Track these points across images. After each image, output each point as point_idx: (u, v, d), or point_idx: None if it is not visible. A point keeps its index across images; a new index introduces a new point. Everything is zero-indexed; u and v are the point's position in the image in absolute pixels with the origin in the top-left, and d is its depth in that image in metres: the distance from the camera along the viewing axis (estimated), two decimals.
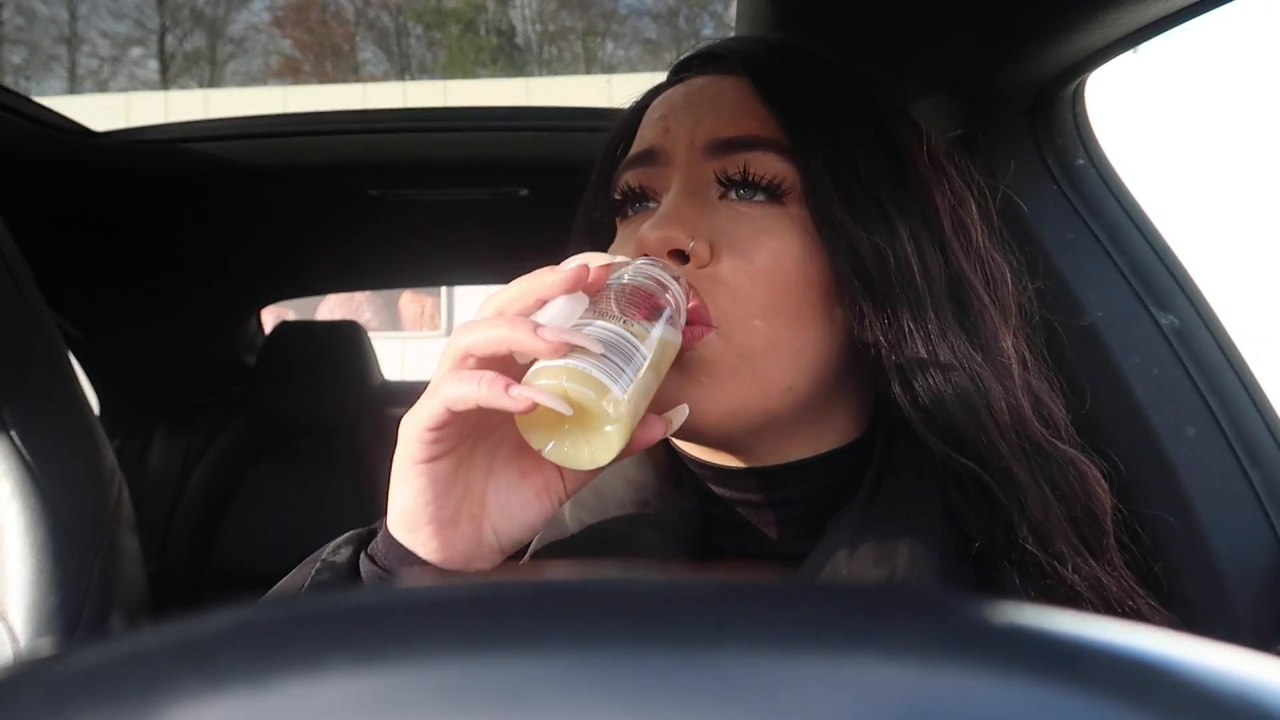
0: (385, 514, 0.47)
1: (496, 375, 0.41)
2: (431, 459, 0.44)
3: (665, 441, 0.58)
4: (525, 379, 0.41)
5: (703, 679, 0.14)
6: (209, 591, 1.70)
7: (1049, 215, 0.81)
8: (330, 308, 5.39)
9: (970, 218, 0.55)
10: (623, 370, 0.41)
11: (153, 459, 1.77)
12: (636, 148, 0.56)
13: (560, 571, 0.18)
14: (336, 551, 0.50)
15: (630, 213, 0.57)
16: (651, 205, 0.55)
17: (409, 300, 7.33)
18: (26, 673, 0.16)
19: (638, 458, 0.56)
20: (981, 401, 0.49)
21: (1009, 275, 0.57)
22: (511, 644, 0.15)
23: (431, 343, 6.96)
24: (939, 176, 0.55)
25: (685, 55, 0.60)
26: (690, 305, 0.48)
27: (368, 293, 6.27)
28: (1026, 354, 0.56)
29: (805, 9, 0.78)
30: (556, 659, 0.14)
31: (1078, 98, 0.82)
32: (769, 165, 0.51)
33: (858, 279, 0.50)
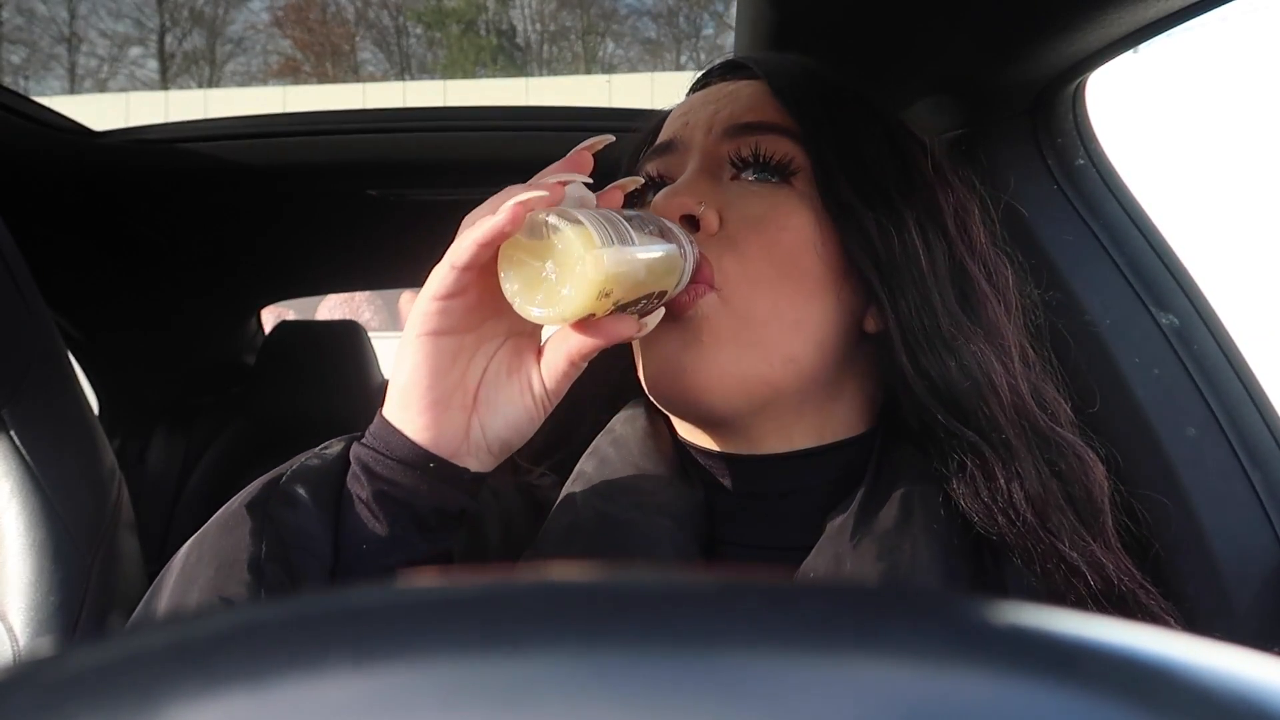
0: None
1: (488, 217, 0.43)
2: (436, 332, 0.46)
3: (673, 435, 0.59)
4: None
5: (703, 679, 0.14)
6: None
7: (1049, 216, 0.81)
8: (330, 308, 5.39)
9: (973, 222, 0.57)
10: (611, 238, 0.42)
11: (153, 459, 1.77)
12: (659, 140, 0.60)
13: (560, 571, 0.18)
14: (328, 445, 0.52)
15: (649, 198, 0.59)
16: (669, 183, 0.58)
17: (409, 300, 7.33)
18: (26, 673, 0.16)
19: (647, 450, 0.57)
20: (984, 377, 0.51)
21: (1011, 276, 0.58)
22: (511, 644, 0.15)
23: None
24: (943, 183, 0.57)
25: (685, 63, 0.65)
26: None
27: (368, 293, 6.27)
28: (1029, 350, 0.57)
29: (805, 8, 0.78)
30: (557, 659, 0.14)
31: (1078, 98, 0.82)
32: (779, 146, 0.54)
33: (866, 255, 0.52)
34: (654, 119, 0.65)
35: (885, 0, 0.72)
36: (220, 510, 0.51)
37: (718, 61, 0.64)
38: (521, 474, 0.62)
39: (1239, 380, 0.78)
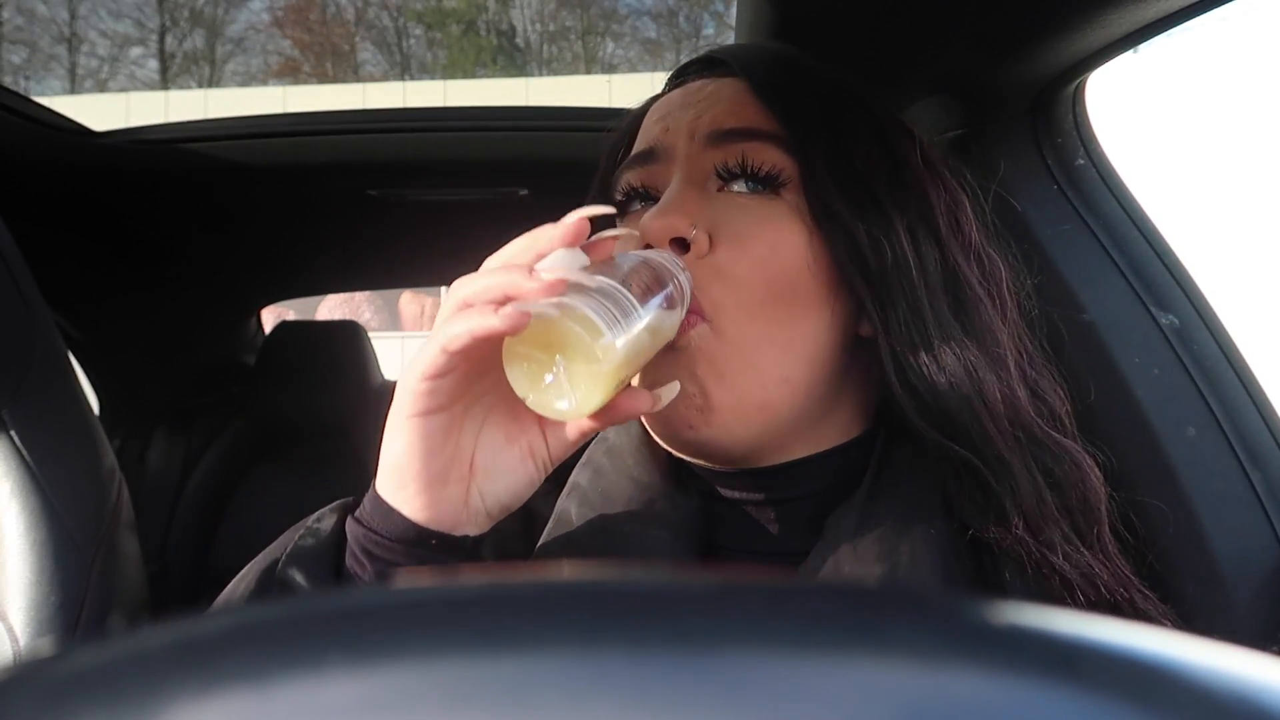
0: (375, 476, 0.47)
1: (487, 304, 0.41)
2: (426, 412, 0.44)
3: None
4: None
5: (703, 679, 0.14)
6: (209, 591, 1.70)
7: (1049, 215, 0.81)
8: (330, 308, 5.39)
9: (965, 216, 0.56)
10: (617, 320, 0.41)
11: (153, 459, 1.77)
12: (637, 148, 0.57)
13: (560, 571, 0.18)
14: (320, 519, 0.50)
15: (631, 210, 0.58)
16: (652, 201, 0.56)
17: (409, 300, 7.34)
18: (26, 673, 0.16)
19: (641, 459, 0.56)
20: (975, 391, 0.50)
21: (1006, 273, 0.57)
22: (511, 644, 0.15)
23: None
24: (934, 178, 0.55)
25: (683, 62, 0.61)
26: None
27: (368, 293, 6.27)
28: (1026, 347, 0.56)
29: (806, 8, 0.78)
30: (557, 659, 0.14)
31: (1078, 98, 0.82)
32: (767, 155, 0.52)
33: (856, 268, 0.51)
34: (628, 119, 0.62)
35: (885, 1, 0.72)
36: (219, 599, 0.50)
37: (693, 56, 0.61)
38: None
39: (1239, 380, 0.78)
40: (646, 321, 0.42)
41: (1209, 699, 0.14)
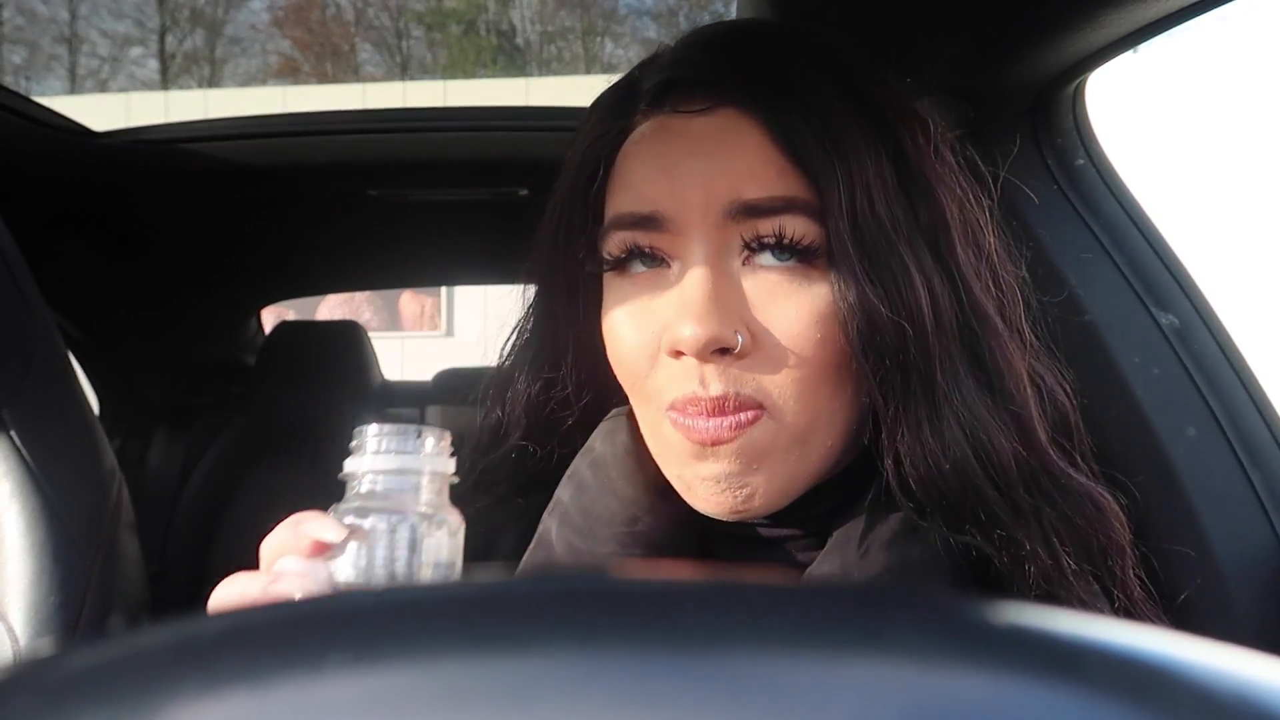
0: None
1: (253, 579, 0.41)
2: None
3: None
4: None
5: (704, 679, 0.14)
6: (209, 591, 1.69)
7: (1049, 215, 0.81)
8: (330, 308, 5.39)
9: (981, 219, 0.53)
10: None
11: (153, 459, 1.77)
12: (632, 205, 0.50)
13: (560, 572, 0.18)
14: None
15: (631, 269, 0.51)
16: (661, 265, 0.50)
17: (409, 300, 7.33)
18: (26, 673, 0.16)
19: (625, 471, 0.54)
20: (983, 467, 0.47)
21: (1018, 277, 0.55)
22: (511, 644, 0.15)
23: (431, 343, 6.96)
24: (949, 179, 0.52)
25: (665, 75, 0.51)
26: (733, 394, 0.47)
27: (368, 293, 6.27)
28: (1045, 379, 0.54)
29: (805, 9, 0.78)
30: (557, 659, 0.14)
31: (1078, 98, 0.82)
32: (801, 229, 0.47)
33: (872, 354, 0.47)
34: (594, 130, 0.53)
35: (885, 1, 0.72)
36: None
37: (675, 67, 0.51)
38: (506, 503, 0.60)
39: (1239, 380, 0.78)
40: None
41: (1209, 699, 0.14)
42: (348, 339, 1.91)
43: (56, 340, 1.02)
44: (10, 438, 0.93)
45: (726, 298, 0.47)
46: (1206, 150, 4.86)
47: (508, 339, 0.62)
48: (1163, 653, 0.15)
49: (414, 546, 0.40)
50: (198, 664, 0.15)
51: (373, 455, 0.42)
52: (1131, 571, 0.53)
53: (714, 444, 0.47)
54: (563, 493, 0.55)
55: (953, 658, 0.15)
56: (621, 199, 0.51)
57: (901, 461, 0.48)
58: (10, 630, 0.89)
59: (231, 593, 0.43)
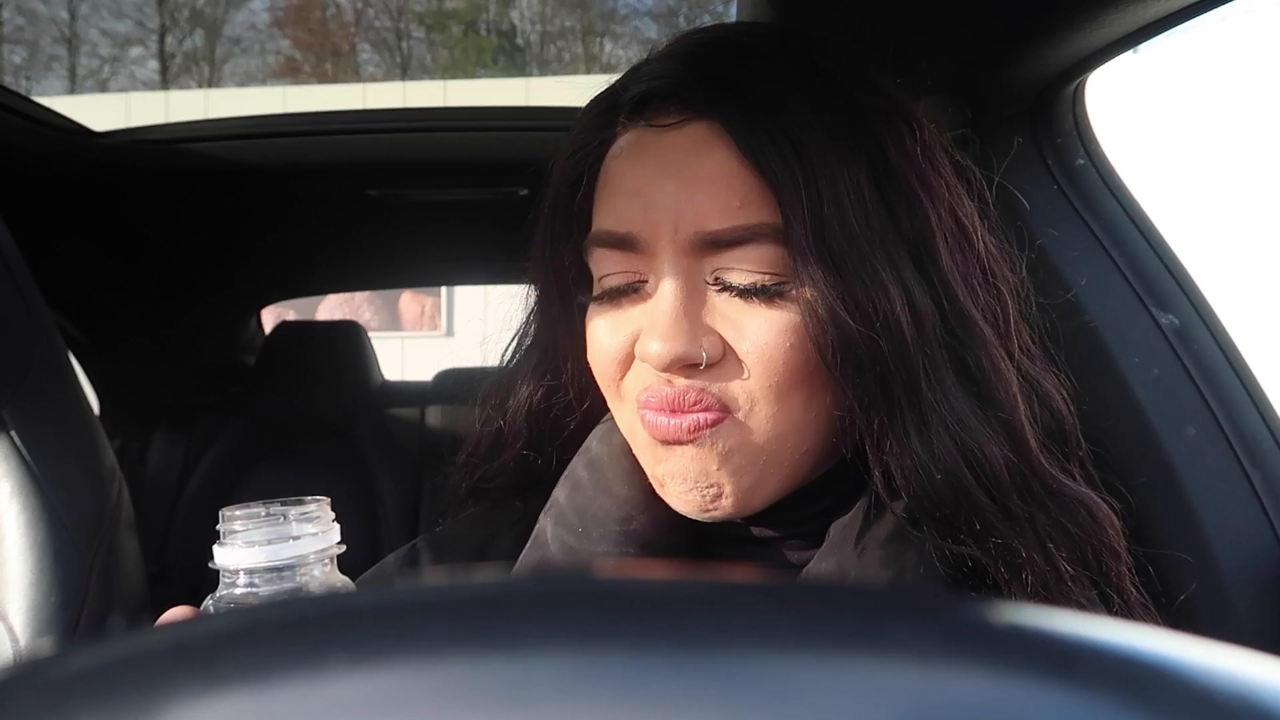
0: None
1: None
2: None
3: None
4: None
5: (704, 679, 0.14)
6: (209, 592, 1.69)
7: (1049, 215, 0.81)
8: (330, 308, 5.39)
9: (968, 219, 0.53)
10: None
11: (153, 459, 1.77)
12: (610, 223, 0.51)
13: (561, 572, 0.18)
14: None
15: (609, 284, 0.52)
16: (637, 280, 0.51)
17: (409, 300, 7.34)
18: (26, 673, 0.16)
19: (621, 471, 0.54)
20: (975, 476, 0.47)
21: (1011, 277, 0.54)
22: (512, 644, 0.15)
23: (431, 343, 6.97)
24: (938, 183, 0.51)
25: (643, 88, 0.51)
26: (695, 390, 0.48)
27: (368, 293, 6.27)
28: (1030, 351, 0.54)
29: (804, 10, 0.78)
30: (557, 659, 0.14)
31: (1078, 98, 0.82)
32: (763, 258, 0.47)
33: (849, 366, 0.47)
34: (583, 137, 0.54)
35: (884, 1, 0.72)
36: None
37: (654, 79, 0.51)
38: (504, 505, 0.60)
39: (1239, 380, 0.78)
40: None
41: (1209, 699, 0.14)
42: (348, 339, 1.91)
43: (56, 340, 1.02)
44: (10, 438, 0.93)
45: (695, 314, 0.48)
46: (1206, 150, 4.86)
47: (509, 344, 0.62)
48: (1162, 653, 0.15)
49: None
50: (198, 664, 0.15)
51: (245, 549, 0.40)
52: (1128, 576, 0.53)
53: (674, 442, 0.49)
54: (559, 493, 0.56)
55: (952, 658, 0.15)
56: (601, 214, 0.52)
57: (892, 473, 0.48)
58: (10, 630, 0.89)
59: None
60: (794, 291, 0.48)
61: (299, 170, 1.38)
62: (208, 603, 0.41)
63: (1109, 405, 0.76)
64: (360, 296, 6.63)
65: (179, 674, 0.15)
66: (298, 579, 0.40)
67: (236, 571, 0.40)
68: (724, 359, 0.48)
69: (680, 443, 0.48)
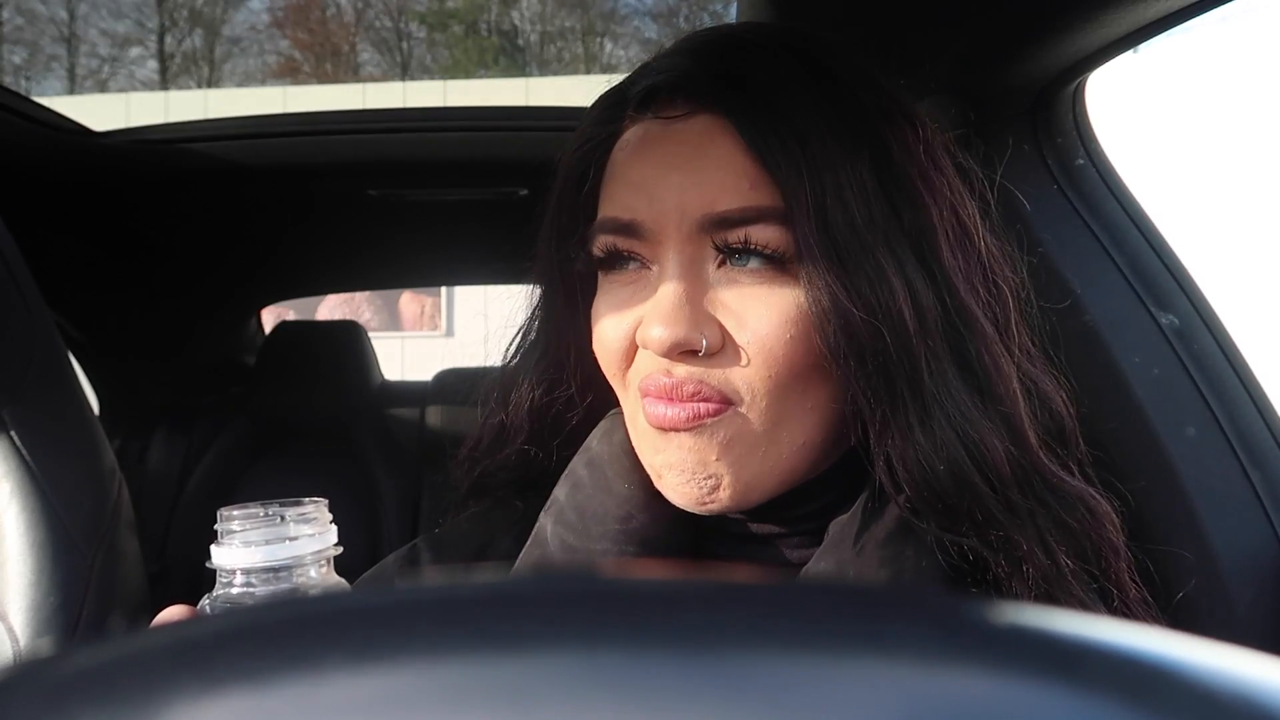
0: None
1: None
2: None
3: None
4: None
5: (704, 679, 0.14)
6: (208, 591, 1.69)
7: (1049, 215, 0.81)
8: (330, 308, 5.39)
9: (970, 218, 0.53)
10: None
11: (153, 459, 1.77)
12: (615, 211, 0.52)
13: (561, 571, 0.18)
14: None
15: (616, 269, 0.53)
16: (641, 267, 0.52)
17: (409, 300, 7.34)
18: (26, 673, 0.16)
19: (621, 469, 0.54)
20: (977, 466, 0.47)
21: (1011, 277, 0.55)
22: (512, 644, 0.15)
23: (431, 343, 6.97)
24: (939, 181, 0.52)
25: (650, 82, 0.52)
26: (695, 380, 0.48)
27: (368, 293, 6.28)
28: (1030, 351, 0.54)
29: (804, 10, 0.78)
30: (557, 659, 0.14)
31: (1078, 98, 0.82)
32: (768, 236, 0.48)
33: (852, 357, 0.47)
34: (589, 134, 0.55)
35: (884, 1, 0.72)
36: None
37: (660, 75, 0.52)
38: (505, 505, 0.60)
39: (1239, 380, 0.78)
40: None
41: (1209, 699, 0.14)
42: (348, 339, 1.91)
43: (56, 340, 1.02)
44: (10, 438, 0.93)
45: (697, 302, 0.49)
46: (1206, 150, 4.86)
47: (512, 340, 0.62)
48: (1163, 653, 0.15)
49: None
50: (198, 664, 0.15)
51: (242, 549, 0.40)
52: (1127, 573, 0.53)
53: (670, 429, 0.49)
54: (559, 491, 0.56)
55: (953, 658, 0.15)
56: (608, 204, 0.53)
57: (894, 465, 0.48)
58: (10, 630, 0.89)
59: None
60: (796, 280, 0.48)
61: (299, 170, 1.38)
62: (205, 602, 0.42)
63: (1109, 405, 0.76)
64: (360, 296, 6.64)
65: (179, 674, 0.15)
66: (294, 579, 0.40)
67: (234, 571, 0.40)
68: (724, 349, 0.49)
69: (678, 430, 0.49)
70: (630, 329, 0.51)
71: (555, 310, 0.58)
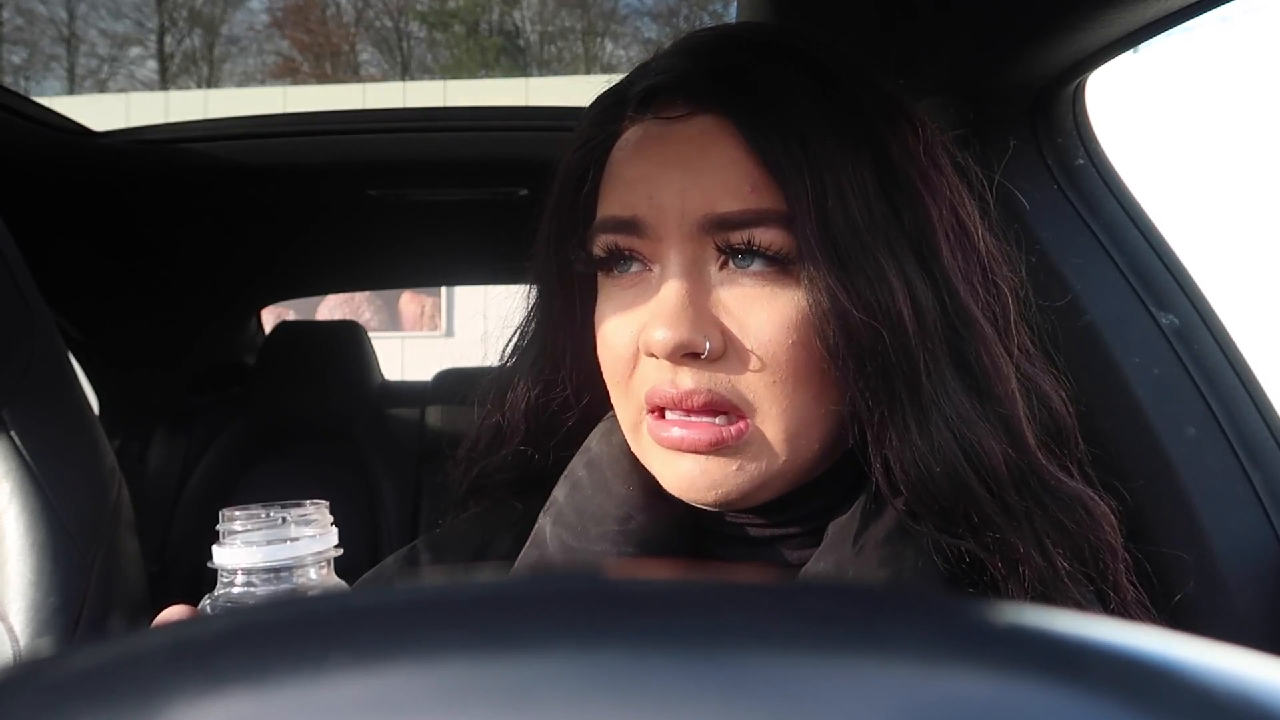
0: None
1: None
2: None
3: None
4: None
5: (704, 680, 0.14)
6: (209, 591, 1.69)
7: (1049, 215, 0.81)
8: (330, 308, 5.39)
9: (970, 218, 0.53)
10: None
11: (153, 459, 1.77)
12: (615, 209, 0.51)
13: (560, 571, 0.18)
14: None
15: (617, 270, 0.52)
16: (643, 269, 0.51)
17: (409, 300, 7.34)
18: (26, 673, 0.16)
19: (620, 471, 0.54)
20: (974, 469, 0.47)
21: (1010, 276, 0.55)
22: (512, 644, 0.15)
23: (431, 343, 6.97)
24: (939, 181, 0.51)
25: (650, 82, 0.52)
26: (703, 390, 0.48)
27: (368, 293, 6.28)
28: (1029, 351, 0.54)
29: (805, 10, 0.78)
30: (557, 660, 0.14)
31: (1078, 98, 0.82)
32: (771, 238, 0.48)
33: (851, 359, 0.47)
34: (587, 133, 0.54)
35: (884, 1, 0.72)
36: None
37: (660, 76, 0.51)
38: (503, 505, 0.60)
39: (1239, 380, 0.78)
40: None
41: (1209, 699, 0.14)
42: (348, 339, 1.91)
43: (56, 340, 1.02)
44: (10, 438, 0.93)
45: (700, 304, 0.48)
46: (1206, 150, 4.86)
47: (509, 341, 0.62)
48: (1163, 653, 0.15)
49: None
50: (198, 664, 0.15)
51: (243, 549, 0.40)
52: (1125, 574, 0.53)
53: (690, 452, 0.49)
54: (558, 492, 0.56)
55: (953, 658, 0.15)
56: (607, 203, 0.52)
57: (891, 466, 0.48)
58: (10, 630, 0.89)
59: None
60: (798, 282, 0.48)
61: (299, 170, 1.38)
62: (205, 602, 0.42)
63: (1109, 405, 0.76)
64: (360, 296, 6.64)
65: (179, 674, 0.15)
66: (294, 580, 0.40)
67: (234, 571, 0.41)
68: (727, 353, 0.48)
69: (699, 453, 0.48)
70: (635, 333, 0.50)
71: (552, 311, 0.58)
